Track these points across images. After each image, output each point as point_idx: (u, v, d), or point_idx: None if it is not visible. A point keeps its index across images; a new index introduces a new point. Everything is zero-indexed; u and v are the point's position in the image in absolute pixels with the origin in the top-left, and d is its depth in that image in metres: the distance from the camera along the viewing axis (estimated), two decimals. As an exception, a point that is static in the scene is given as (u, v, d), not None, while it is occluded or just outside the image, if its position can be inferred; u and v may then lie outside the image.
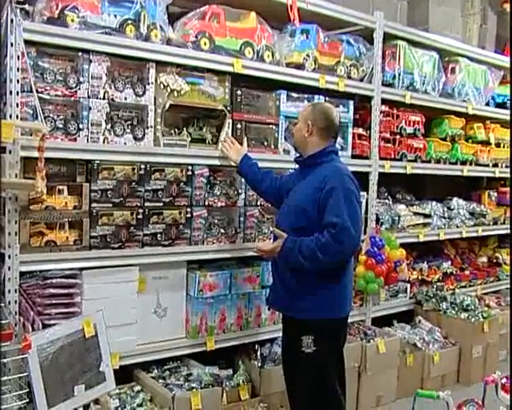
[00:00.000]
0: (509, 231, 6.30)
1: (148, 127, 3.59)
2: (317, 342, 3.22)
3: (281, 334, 3.82)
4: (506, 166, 6.26)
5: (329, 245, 3.09)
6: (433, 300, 5.31)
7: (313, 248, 3.12)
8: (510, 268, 6.20)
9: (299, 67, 4.27)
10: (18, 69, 3.06)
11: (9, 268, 3.10)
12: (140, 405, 3.46)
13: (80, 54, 3.34)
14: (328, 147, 3.36)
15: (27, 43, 3.10)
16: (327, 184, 3.17)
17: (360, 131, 4.76)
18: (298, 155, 3.61)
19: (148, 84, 3.58)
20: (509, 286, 6.22)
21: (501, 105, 6.19)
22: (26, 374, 2.71)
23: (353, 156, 4.67)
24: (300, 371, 3.34)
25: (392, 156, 5.04)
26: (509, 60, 6.21)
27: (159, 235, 3.66)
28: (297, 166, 3.64)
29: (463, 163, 5.76)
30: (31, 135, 3.10)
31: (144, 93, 3.57)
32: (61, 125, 3.30)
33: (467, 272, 6.04)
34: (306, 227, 3.23)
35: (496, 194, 6.46)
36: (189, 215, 3.77)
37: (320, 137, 3.36)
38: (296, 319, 3.34)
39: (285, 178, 3.71)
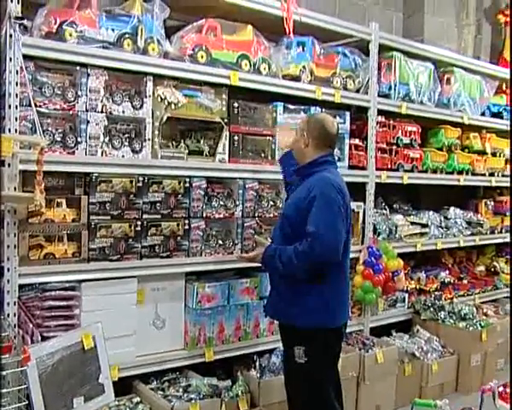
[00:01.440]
0: (506, 240, 6.33)
1: (145, 140, 3.62)
2: (308, 352, 3.22)
3: (279, 344, 4.00)
4: (502, 176, 6.29)
5: (304, 253, 3.12)
6: (431, 309, 5.31)
7: (290, 256, 3.17)
8: (510, 277, 6.22)
9: (296, 79, 4.30)
10: (17, 83, 3.09)
11: (8, 281, 3.12)
12: (139, 416, 3.48)
13: (78, 68, 3.37)
14: (320, 157, 3.36)
15: (26, 57, 3.13)
16: (311, 193, 3.20)
17: (357, 141, 4.79)
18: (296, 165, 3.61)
19: (146, 97, 3.61)
20: (506, 295, 6.24)
21: (496, 115, 6.22)
22: (25, 386, 2.71)
23: (350, 167, 4.70)
24: (295, 381, 3.38)
25: (389, 167, 5.06)
26: (509, 70, 6.26)
27: (157, 247, 3.68)
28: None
29: (460, 173, 5.79)
30: (29, 148, 3.12)
31: (142, 106, 3.60)
32: (59, 139, 3.33)
33: (465, 282, 6.05)
34: (292, 235, 3.26)
35: (493, 203, 6.49)
36: (186, 227, 3.79)
37: (315, 148, 3.37)
38: (288, 328, 3.37)
39: None
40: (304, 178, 3.39)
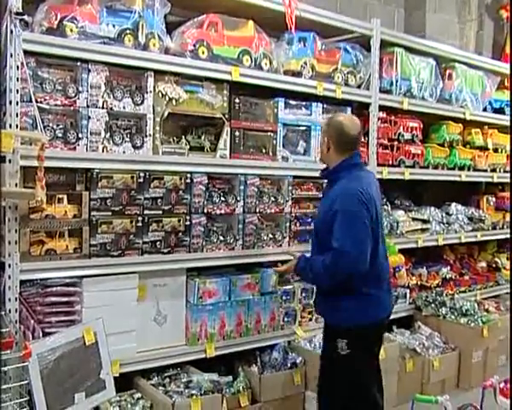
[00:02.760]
0: (507, 236, 6.32)
1: (146, 136, 3.62)
2: (351, 345, 3.31)
3: (280, 340, 4.22)
4: (504, 171, 6.28)
5: (330, 267, 3.22)
6: (433, 305, 5.30)
7: (319, 268, 3.28)
8: (510, 273, 6.21)
9: (297, 74, 4.30)
10: (17, 79, 3.09)
11: (10, 277, 3.12)
12: (140, 412, 3.48)
13: (79, 63, 3.37)
14: (343, 161, 3.38)
15: (27, 53, 3.13)
16: (333, 206, 3.25)
17: (358, 137, 4.78)
18: (324, 166, 3.62)
19: (147, 92, 3.61)
20: (507, 291, 6.23)
21: (498, 110, 6.21)
22: (26, 382, 2.71)
23: (351, 163, 4.68)
24: (337, 372, 3.43)
25: (391, 162, 5.06)
26: (510, 65, 6.24)
27: (158, 242, 3.68)
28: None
29: (461, 168, 5.78)
30: (30, 144, 3.12)
31: (143, 102, 3.60)
32: (60, 135, 3.33)
33: (466, 277, 6.05)
34: (323, 242, 3.33)
35: (494, 199, 6.48)
36: (188, 223, 3.79)
37: (336, 151, 3.39)
38: (332, 324, 3.46)
39: None
40: (330, 185, 3.47)
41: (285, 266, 3.67)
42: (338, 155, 3.39)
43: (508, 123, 6.14)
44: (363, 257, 3.21)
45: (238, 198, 4.03)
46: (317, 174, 4.31)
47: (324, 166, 3.60)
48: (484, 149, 6.09)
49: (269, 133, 4.20)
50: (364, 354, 3.40)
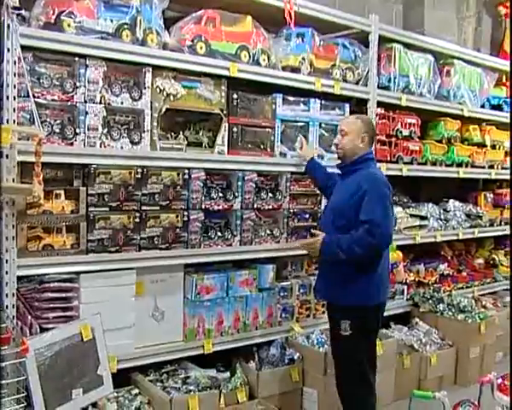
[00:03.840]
0: (505, 233, 6.33)
1: (144, 131, 3.60)
2: (353, 326, 3.49)
3: (277, 336, 4.23)
4: (502, 168, 6.29)
5: (364, 239, 3.39)
6: (430, 301, 5.31)
7: (350, 243, 3.43)
8: (510, 270, 6.21)
9: (295, 70, 4.29)
10: (15, 74, 3.07)
11: (7, 272, 3.11)
12: (138, 408, 3.47)
13: (77, 59, 3.35)
14: (370, 153, 3.72)
15: (24, 48, 3.11)
16: (361, 188, 3.48)
17: (356, 133, 4.77)
18: (339, 162, 3.81)
19: (145, 88, 3.60)
20: (505, 287, 6.24)
21: (496, 107, 6.21)
22: (23, 378, 2.72)
23: (349, 159, 4.68)
24: (339, 352, 3.65)
25: (389, 159, 5.05)
26: (510, 62, 6.24)
27: (156, 238, 3.67)
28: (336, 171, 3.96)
29: (459, 165, 5.78)
30: (28, 140, 3.11)
31: (140, 97, 3.59)
32: (57, 130, 3.31)
33: (463, 274, 6.06)
34: (346, 226, 3.51)
35: (492, 196, 6.49)
36: (185, 219, 3.78)
37: (367, 144, 3.70)
38: (337, 306, 3.63)
39: (334, 180, 3.98)
40: (350, 174, 3.65)
41: (311, 239, 3.80)
42: (367, 148, 3.69)
43: (506, 120, 6.14)
44: (390, 232, 3.47)
45: (236, 194, 4.02)
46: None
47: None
48: (482, 145, 6.10)
49: (267, 129, 4.19)
50: (362, 336, 3.53)
